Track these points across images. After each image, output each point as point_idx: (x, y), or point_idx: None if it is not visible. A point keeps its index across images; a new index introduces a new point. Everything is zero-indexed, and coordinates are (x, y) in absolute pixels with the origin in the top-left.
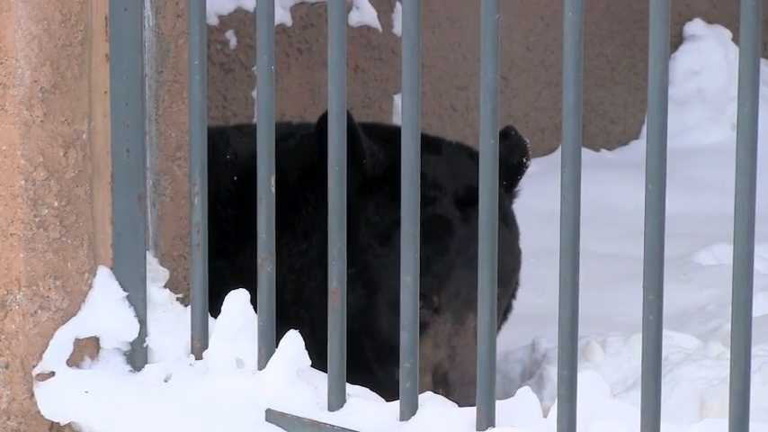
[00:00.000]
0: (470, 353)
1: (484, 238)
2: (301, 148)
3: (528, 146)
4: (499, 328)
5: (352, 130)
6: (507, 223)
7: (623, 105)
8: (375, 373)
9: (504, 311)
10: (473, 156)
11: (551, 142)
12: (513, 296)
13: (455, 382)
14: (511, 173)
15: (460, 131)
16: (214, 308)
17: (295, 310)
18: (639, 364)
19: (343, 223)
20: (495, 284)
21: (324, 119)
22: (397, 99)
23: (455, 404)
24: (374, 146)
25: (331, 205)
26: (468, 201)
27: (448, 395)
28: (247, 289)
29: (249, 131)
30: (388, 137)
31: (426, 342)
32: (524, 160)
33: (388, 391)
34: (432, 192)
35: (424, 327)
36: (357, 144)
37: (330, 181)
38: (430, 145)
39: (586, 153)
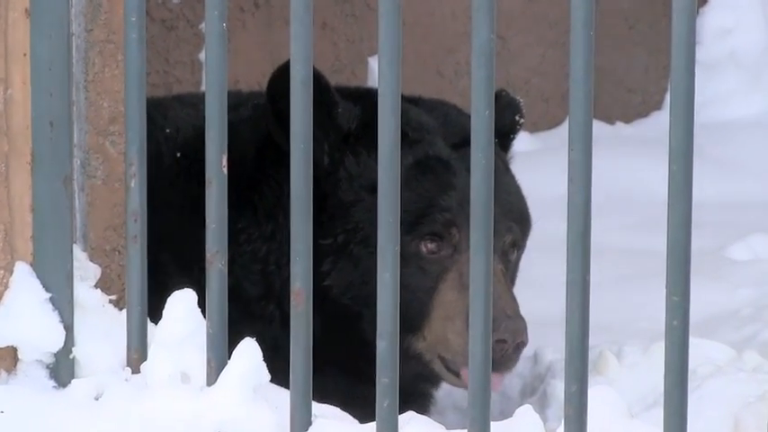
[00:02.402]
0: (505, 289)
1: (476, 219)
2: (256, 117)
3: (521, 104)
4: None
5: (321, 82)
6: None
7: (643, 70)
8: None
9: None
10: (458, 109)
11: (557, 114)
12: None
13: (498, 318)
14: (503, 132)
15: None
16: (156, 312)
17: (262, 306)
18: (662, 377)
19: (309, 211)
20: (491, 287)
21: (276, 78)
22: (373, 62)
23: (442, 426)
24: (346, 102)
25: (294, 190)
26: (463, 144)
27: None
28: (197, 287)
29: (192, 102)
30: (358, 96)
31: (452, 286)
32: (517, 118)
33: None
34: (418, 134)
35: (444, 271)
36: (328, 99)
37: (293, 160)
38: (407, 98)
39: (599, 126)
